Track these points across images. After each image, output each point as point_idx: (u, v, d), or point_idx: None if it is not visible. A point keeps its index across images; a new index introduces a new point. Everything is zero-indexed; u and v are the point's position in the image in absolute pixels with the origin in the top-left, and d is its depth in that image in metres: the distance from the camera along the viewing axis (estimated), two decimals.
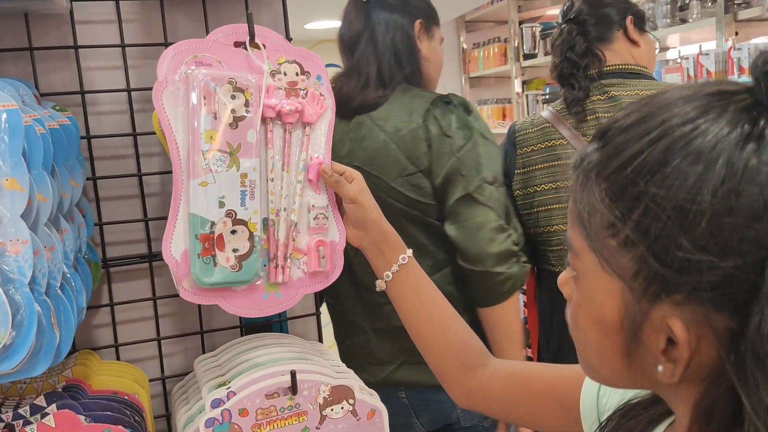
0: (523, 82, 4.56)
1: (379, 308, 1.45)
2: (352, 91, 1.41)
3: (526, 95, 4.50)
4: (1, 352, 0.68)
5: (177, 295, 1.06)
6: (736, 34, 2.55)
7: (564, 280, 0.59)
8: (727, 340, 0.45)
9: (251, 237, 0.83)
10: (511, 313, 1.36)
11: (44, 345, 0.72)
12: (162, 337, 1.07)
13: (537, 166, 1.45)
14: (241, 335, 1.10)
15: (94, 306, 1.03)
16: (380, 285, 0.93)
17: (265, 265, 0.88)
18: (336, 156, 1.22)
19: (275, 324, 1.13)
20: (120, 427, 0.82)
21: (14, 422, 0.79)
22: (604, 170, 0.50)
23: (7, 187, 0.69)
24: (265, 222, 0.86)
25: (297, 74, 0.85)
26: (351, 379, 0.96)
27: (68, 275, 0.80)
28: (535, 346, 1.66)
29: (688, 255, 0.44)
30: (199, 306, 1.08)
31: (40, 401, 0.83)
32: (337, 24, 3.41)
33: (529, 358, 1.80)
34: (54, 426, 0.80)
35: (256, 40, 0.84)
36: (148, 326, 1.07)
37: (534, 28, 4.33)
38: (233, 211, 0.82)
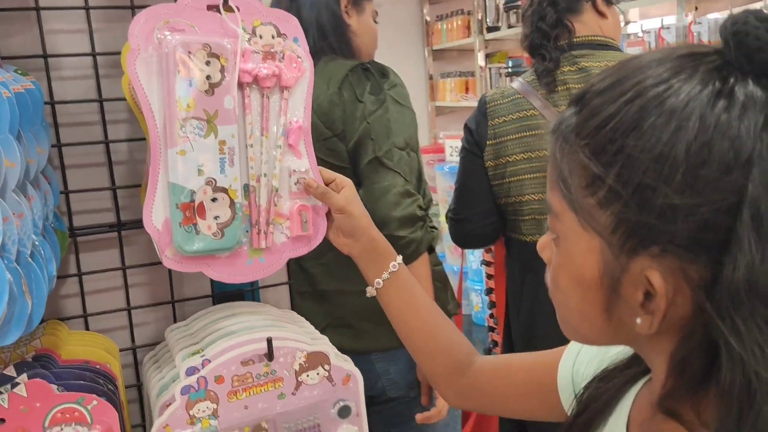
0: (487, 55, 4.57)
1: (304, 272, 1.47)
2: None
3: (489, 68, 4.51)
4: None
5: (147, 265, 1.05)
6: (696, 9, 2.60)
7: (543, 244, 0.61)
8: (702, 289, 0.47)
9: (232, 204, 0.83)
10: (418, 276, 1.36)
11: (16, 313, 0.70)
12: (132, 307, 1.06)
13: (509, 137, 1.46)
14: (213, 304, 1.09)
15: (61, 276, 1.01)
16: (371, 291, 0.93)
17: (247, 231, 0.87)
18: None
19: (247, 293, 1.12)
20: (93, 395, 0.81)
21: None
22: (582, 131, 0.52)
23: None
24: (246, 188, 0.85)
25: (273, 37, 0.83)
26: (326, 345, 0.97)
27: (37, 243, 0.79)
28: (501, 316, 1.69)
29: (667, 200, 0.46)
30: (170, 275, 1.07)
31: (10, 371, 0.81)
32: None
33: (492, 329, 1.83)
34: (26, 395, 0.79)
35: (230, 3, 0.82)
36: (118, 296, 1.06)
37: (497, 1, 4.33)
38: (213, 179, 0.81)
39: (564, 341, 0.69)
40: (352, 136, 1.37)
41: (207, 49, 0.80)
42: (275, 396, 0.92)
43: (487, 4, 4.39)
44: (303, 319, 1.07)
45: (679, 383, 0.50)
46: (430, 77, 5.21)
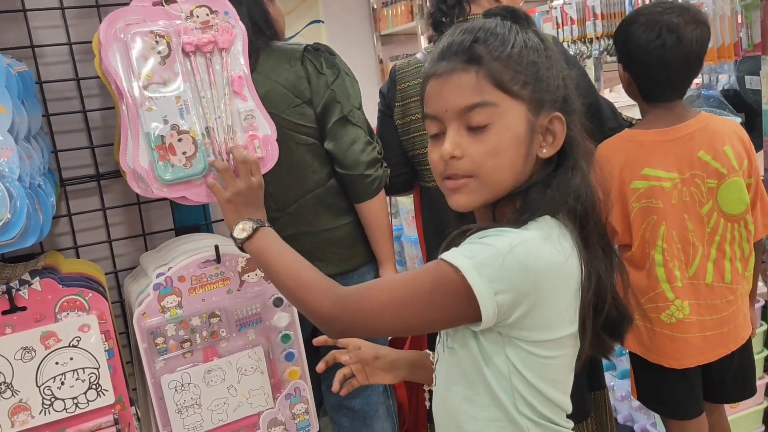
0: (429, 38, 4.88)
1: (270, 222, 1.78)
2: None
3: None
4: (2, 227, 0.96)
5: (122, 206, 1.35)
6: None
7: (452, 148, 0.88)
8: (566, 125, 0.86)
9: (194, 141, 1.11)
10: (379, 207, 1.75)
11: (32, 224, 1.00)
12: (112, 240, 1.35)
13: (412, 99, 1.77)
14: (176, 236, 1.39)
15: (56, 216, 1.30)
16: (430, 386, 1.08)
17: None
18: None
19: (202, 226, 1.43)
20: (89, 290, 1.12)
21: (10, 288, 1.07)
22: (499, 54, 0.86)
23: None
24: (209, 130, 1.13)
25: (207, 14, 1.13)
26: None
27: (41, 180, 1.08)
28: (423, 248, 2.02)
29: (549, 82, 0.86)
30: (140, 214, 1.37)
31: (26, 277, 1.11)
32: None
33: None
34: (40, 289, 1.09)
35: None
36: (100, 232, 1.35)
37: None
38: (176, 124, 1.10)
39: None
40: (320, 101, 1.69)
41: (154, 33, 1.10)
42: (225, 291, 1.23)
43: None
44: None
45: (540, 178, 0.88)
46: (380, 61, 5.50)
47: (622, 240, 1.59)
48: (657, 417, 2.43)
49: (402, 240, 4.13)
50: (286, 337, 1.27)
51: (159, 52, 1.10)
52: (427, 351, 1.13)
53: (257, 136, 1.18)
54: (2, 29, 1.25)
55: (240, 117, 1.17)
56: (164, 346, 1.19)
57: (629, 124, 1.77)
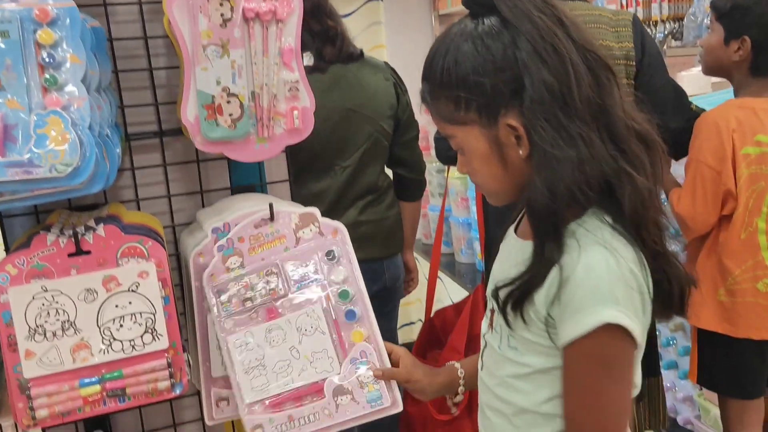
0: None
1: None
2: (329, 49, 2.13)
3: None
4: (72, 173, 1.01)
5: (181, 163, 1.40)
6: None
7: (459, 167, 0.97)
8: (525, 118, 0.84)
9: (241, 105, 1.15)
10: (420, 205, 2.43)
11: (99, 171, 1.04)
12: (171, 195, 1.40)
13: None
14: (231, 195, 1.44)
15: (120, 170, 1.35)
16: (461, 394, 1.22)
17: (254, 125, 1.19)
18: (330, 99, 2.06)
19: (257, 187, 1.46)
20: (149, 238, 1.17)
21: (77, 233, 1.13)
22: (435, 85, 0.90)
23: (71, 60, 1.01)
24: (253, 94, 1.17)
25: None
26: (314, 209, 1.28)
27: (109, 131, 1.13)
28: (482, 238, 2.04)
29: (491, 83, 0.84)
30: (199, 172, 1.41)
31: (91, 223, 1.16)
32: None
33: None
34: (104, 235, 1.14)
35: None
36: (161, 187, 1.40)
37: None
38: (227, 87, 1.14)
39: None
40: (402, 116, 2.24)
41: None
42: (282, 249, 1.25)
43: None
44: (296, 203, 1.40)
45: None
46: None
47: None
48: (701, 409, 2.40)
49: (450, 220, 4.13)
50: (344, 294, 1.24)
51: (222, 14, 1.13)
52: (454, 364, 1.22)
53: (297, 108, 1.22)
54: None
55: (285, 87, 1.20)
56: (228, 305, 1.21)
57: (696, 115, 1.74)
